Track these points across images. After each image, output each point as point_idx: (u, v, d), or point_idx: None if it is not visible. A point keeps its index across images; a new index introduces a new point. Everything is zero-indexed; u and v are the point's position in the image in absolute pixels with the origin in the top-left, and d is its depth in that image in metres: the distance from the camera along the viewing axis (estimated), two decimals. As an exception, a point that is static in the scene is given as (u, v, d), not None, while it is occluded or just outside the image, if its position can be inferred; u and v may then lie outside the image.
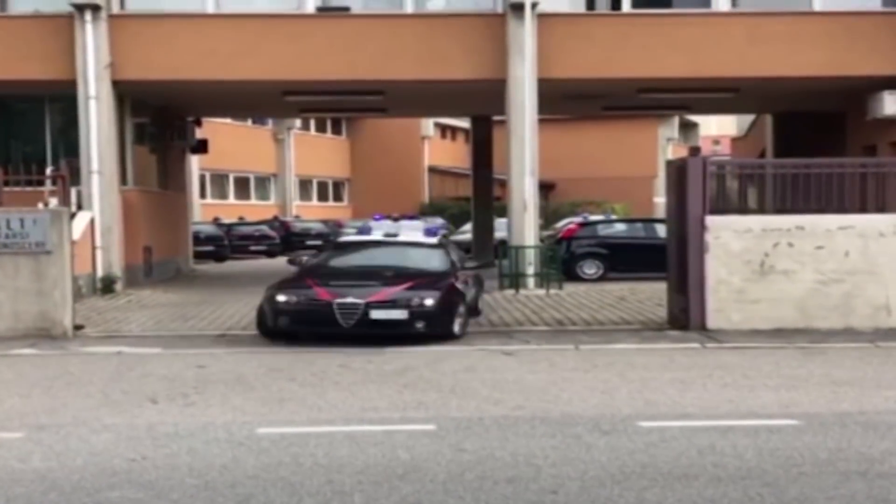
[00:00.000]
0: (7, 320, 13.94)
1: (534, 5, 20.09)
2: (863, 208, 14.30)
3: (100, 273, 19.93)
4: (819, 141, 24.46)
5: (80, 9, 19.99)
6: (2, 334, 13.82)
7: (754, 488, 6.48)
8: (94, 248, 19.87)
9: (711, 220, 13.94)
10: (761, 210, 14.42)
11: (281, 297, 13.43)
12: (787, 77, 21.10)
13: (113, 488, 6.60)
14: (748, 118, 33.61)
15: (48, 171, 19.69)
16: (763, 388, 9.87)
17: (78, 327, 14.38)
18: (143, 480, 6.77)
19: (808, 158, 15.50)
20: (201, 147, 27.73)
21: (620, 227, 25.70)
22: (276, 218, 42.71)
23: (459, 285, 14.30)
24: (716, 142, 64.56)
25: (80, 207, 20.05)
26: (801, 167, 14.54)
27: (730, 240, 13.91)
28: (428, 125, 53.20)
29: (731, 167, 15.83)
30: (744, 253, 13.92)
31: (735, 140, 37.93)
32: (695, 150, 15.06)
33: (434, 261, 14.80)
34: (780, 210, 14.23)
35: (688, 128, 62.33)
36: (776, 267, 13.91)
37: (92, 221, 19.88)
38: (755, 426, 8.18)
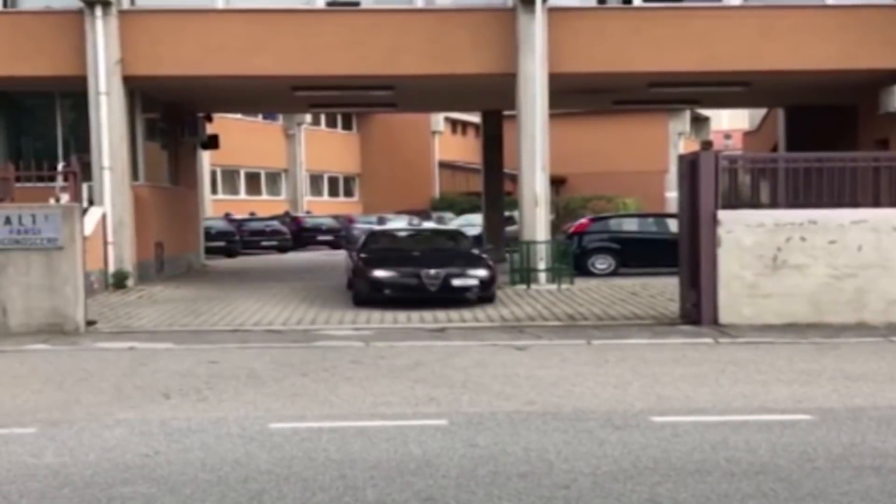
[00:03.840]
0: (19, 316, 13.99)
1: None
2: (876, 202, 14.23)
3: (111, 269, 19.98)
4: (831, 135, 24.39)
5: (91, 5, 20.02)
6: (14, 330, 13.87)
7: (767, 483, 6.45)
8: (105, 243, 19.93)
9: (723, 215, 13.90)
10: (773, 204, 14.36)
11: (379, 273, 17.07)
12: (798, 71, 21.02)
13: (126, 483, 6.61)
14: (760, 112, 33.49)
15: (59, 167, 19.75)
16: (776, 383, 9.84)
17: (90, 323, 14.42)
18: (155, 475, 6.77)
19: (820, 152, 15.44)
20: (212, 143, 27.76)
21: (632, 222, 25.67)
22: (286, 213, 42.76)
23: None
24: (727, 136, 64.31)
25: (91, 203, 20.11)
26: (813, 161, 14.49)
27: (742, 234, 13.87)
28: (438, 120, 53.15)
29: (742, 161, 15.78)
30: (756, 247, 13.87)
31: (746, 134, 37.79)
32: (706, 145, 14.98)
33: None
34: (793, 204, 14.17)
35: (699, 122, 62.08)
36: (789, 261, 13.86)
37: (103, 217, 19.94)
38: (768, 421, 8.15)
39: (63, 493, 6.44)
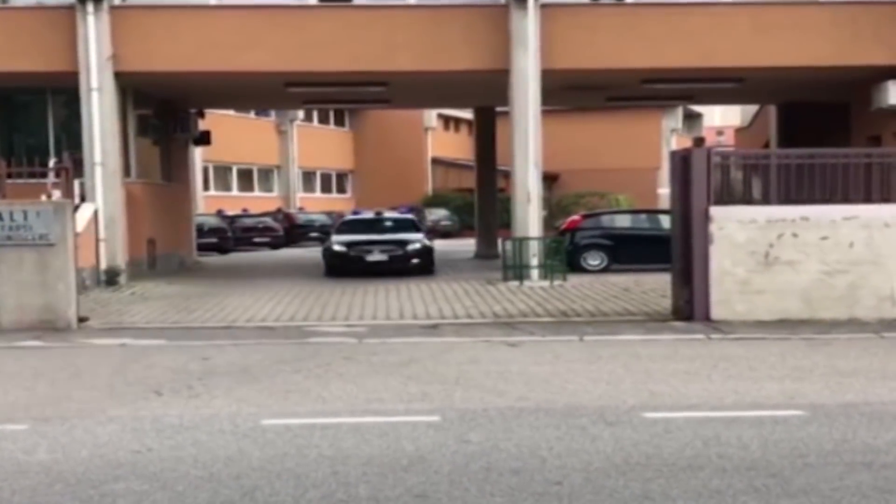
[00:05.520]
0: (11, 313, 13.94)
1: (537, -4, 20.05)
2: (867, 199, 14.25)
3: (103, 265, 19.94)
4: (823, 131, 24.40)
5: (83, 0, 19.96)
6: (6, 327, 13.83)
7: (759, 479, 6.46)
8: (97, 240, 19.89)
9: (716, 211, 13.91)
10: (766, 201, 14.37)
11: None
12: (791, 67, 21.05)
13: (118, 480, 6.60)
14: (752, 109, 33.55)
15: (51, 163, 19.67)
16: (768, 379, 9.85)
17: (82, 319, 14.38)
18: (147, 472, 6.76)
19: (812, 149, 15.46)
20: (204, 139, 27.73)
21: (624, 219, 25.68)
22: (279, 210, 42.75)
23: None
24: (719, 132, 64.49)
25: (83, 200, 20.05)
26: (805, 157, 14.51)
27: (734, 231, 13.88)
28: (431, 116, 53.14)
29: (735, 158, 15.79)
30: (748, 244, 13.89)
31: (739, 131, 37.87)
32: (699, 141, 15.01)
33: None
34: (785, 201, 14.18)
35: (691, 119, 62.23)
36: (781, 258, 13.88)
37: (95, 214, 19.89)
38: (760, 417, 8.16)
39: (55, 489, 6.43)
